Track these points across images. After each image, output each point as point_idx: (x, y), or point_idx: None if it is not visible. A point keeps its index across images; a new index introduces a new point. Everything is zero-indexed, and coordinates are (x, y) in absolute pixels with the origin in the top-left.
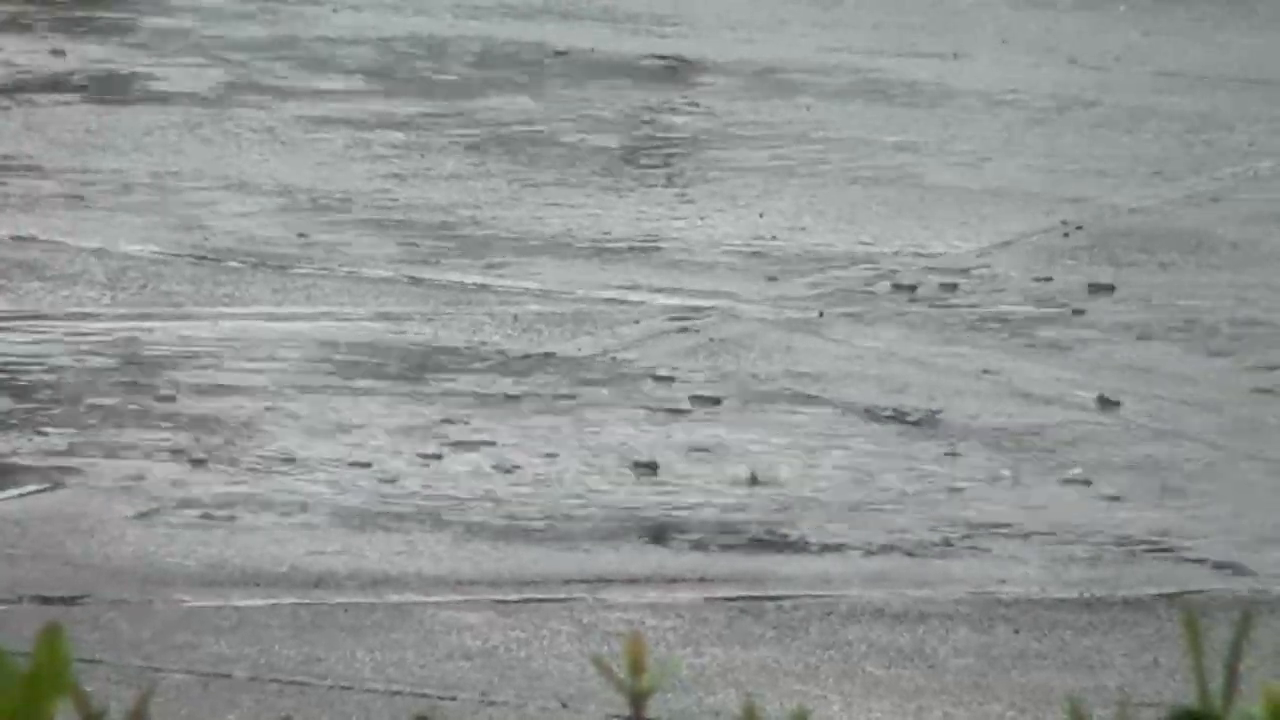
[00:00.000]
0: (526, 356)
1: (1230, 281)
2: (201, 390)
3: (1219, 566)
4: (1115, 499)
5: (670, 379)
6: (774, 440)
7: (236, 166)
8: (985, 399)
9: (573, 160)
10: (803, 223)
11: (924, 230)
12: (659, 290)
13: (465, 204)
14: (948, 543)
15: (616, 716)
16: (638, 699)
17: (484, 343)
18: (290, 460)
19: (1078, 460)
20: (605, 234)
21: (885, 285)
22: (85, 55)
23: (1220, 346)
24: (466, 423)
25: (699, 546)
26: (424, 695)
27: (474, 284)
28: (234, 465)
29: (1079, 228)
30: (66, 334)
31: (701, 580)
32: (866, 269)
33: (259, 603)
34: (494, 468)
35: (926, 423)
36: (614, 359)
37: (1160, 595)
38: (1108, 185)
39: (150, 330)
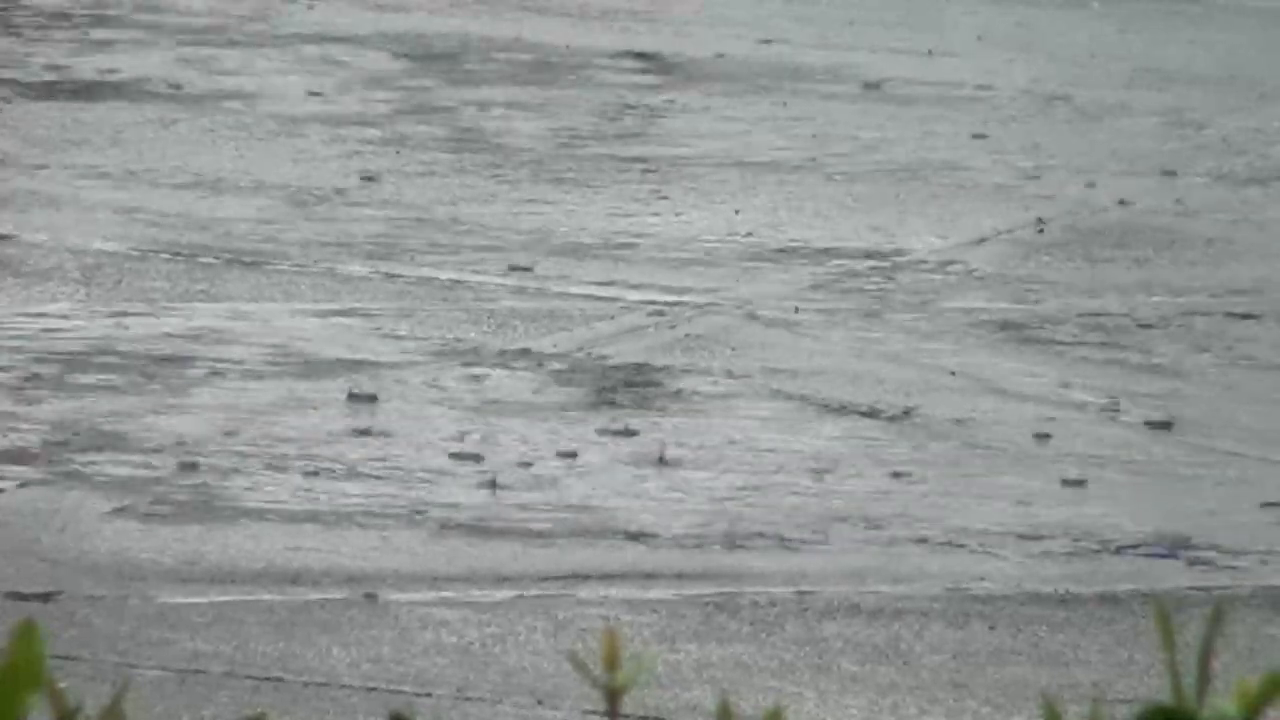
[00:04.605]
0: (502, 353)
1: (1205, 277)
2: (176, 387)
3: (1193, 563)
4: (1090, 495)
5: (648, 374)
6: (749, 436)
7: (212, 163)
8: (960, 395)
9: (549, 157)
10: (779, 219)
11: (899, 226)
12: (635, 286)
13: (441, 200)
14: (923, 540)
15: (592, 713)
16: (613, 695)
17: (459, 339)
18: (267, 456)
19: (1053, 457)
20: (581, 230)
21: (860, 282)
22: (61, 52)
23: (1196, 342)
24: (446, 420)
25: (674, 543)
26: (400, 691)
27: (449, 280)
28: (210, 461)
29: (1054, 224)
30: (41, 330)
31: (677, 577)
32: (842, 265)
33: (235, 599)
34: (471, 465)
35: (901, 419)
36: (590, 355)
37: (1135, 592)
38: (1083, 181)
39: (125, 326)
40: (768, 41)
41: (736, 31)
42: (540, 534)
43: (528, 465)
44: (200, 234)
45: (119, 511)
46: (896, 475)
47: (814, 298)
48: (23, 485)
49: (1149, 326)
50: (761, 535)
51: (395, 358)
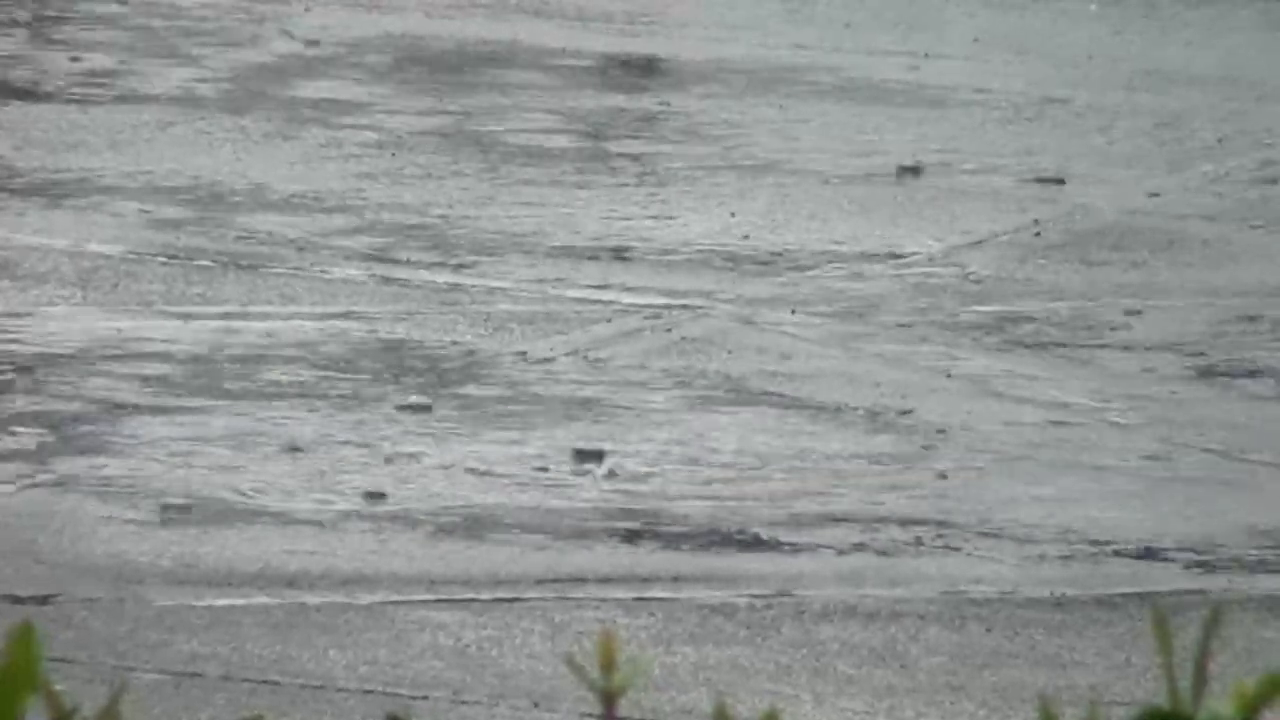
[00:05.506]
0: (498, 355)
1: (1201, 280)
2: (173, 390)
3: (1189, 565)
4: (1087, 498)
5: (644, 377)
6: (746, 439)
7: (209, 166)
8: (956, 398)
9: (545, 159)
10: (775, 221)
11: (896, 229)
12: (631, 289)
13: (437, 203)
14: (920, 542)
15: (588, 715)
16: (609, 698)
17: (456, 342)
18: (262, 459)
19: (1049, 460)
20: (577, 233)
21: (857, 284)
22: (57, 54)
23: (1192, 345)
24: (440, 423)
25: (671, 546)
26: (396, 694)
27: (446, 283)
28: (206, 464)
29: (1050, 226)
30: (38, 333)
31: (674, 579)
32: (838, 268)
33: (232, 602)
34: (466, 468)
35: (898, 422)
36: (586, 358)
37: (1131, 594)
38: (1079, 184)
39: (121, 330)
40: (765, 44)
41: (733, 34)
42: (536, 537)
43: (525, 467)
44: (197, 237)
45: (116, 515)
46: (892, 478)
47: (810, 300)
48: (20, 488)
49: (1146, 329)
50: (757, 538)
51: (393, 360)
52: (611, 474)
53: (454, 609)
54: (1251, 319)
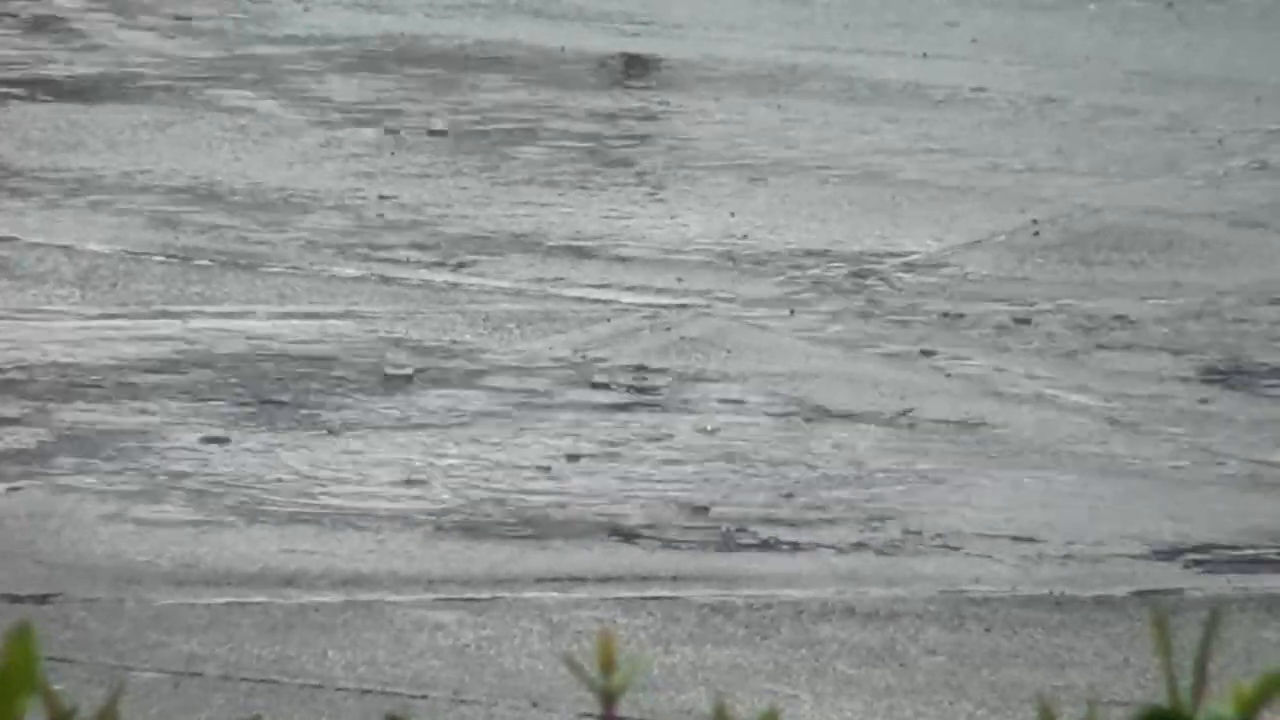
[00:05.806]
0: (498, 355)
1: (1200, 280)
2: (171, 389)
3: (1189, 566)
4: (1085, 498)
5: (644, 376)
6: (745, 439)
7: (208, 166)
8: (956, 398)
9: (544, 159)
10: (774, 221)
11: (895, 229)
12: (630, 289)
13: (436, 203)
14: (919, 542)
15: (587, 715)
16: (608, 697)
17: (455, 341)
18: (262, 459)
19: (1049, 459)
20: (577, 233)
21: (856, 284)
22: (56, 54)
23: (1191, 345)
24: (439, 422)
25: (670, 546)
26: (395, 694)
27: (445, 283)
28: (205, 464)
29: (1049, 226)
30: (36, 333)
31: (673, 579)
32: (837, 268)
33: (230, 602)
34: (465, 468)
35: (897, 422)
36: (585, 357)
37: (1131, 594)
38: (1078, 184)
39: (120, 329)
40: (764, 44)
41: (733, 34)
42: (536, 536)
43: (523, 467)
44: (196, 237)
45: (115, 514)
46: (891, 477)
47: (809, 300)
48: (19, 488)
49: (1145, 329)
50: (756, 537)
51: (392, 360)
52: (606, 470)
53: (453, 608)
54: (1251, 319)
